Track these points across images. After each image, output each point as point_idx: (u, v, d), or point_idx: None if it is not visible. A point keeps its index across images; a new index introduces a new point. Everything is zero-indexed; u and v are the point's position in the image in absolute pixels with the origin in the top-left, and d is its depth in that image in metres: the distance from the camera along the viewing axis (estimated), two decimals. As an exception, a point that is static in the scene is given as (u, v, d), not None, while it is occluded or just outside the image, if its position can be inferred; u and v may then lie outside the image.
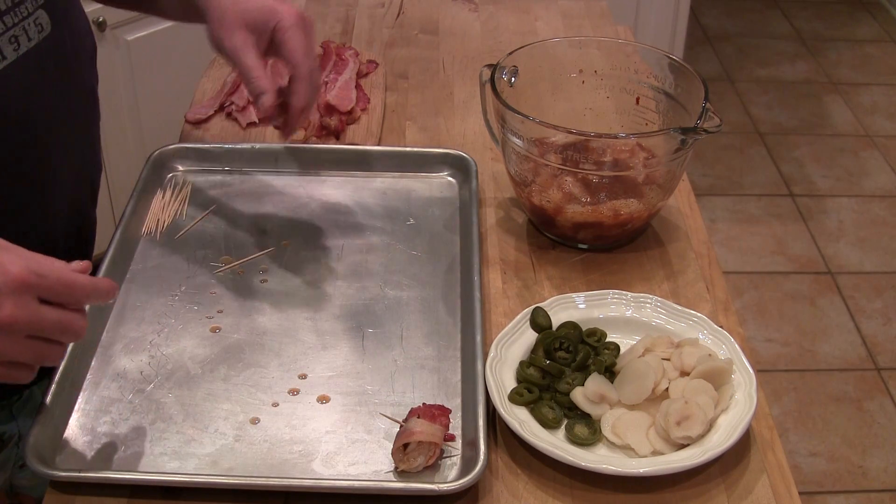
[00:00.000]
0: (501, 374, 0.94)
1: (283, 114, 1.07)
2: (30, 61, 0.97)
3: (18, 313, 0.76)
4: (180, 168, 1.24)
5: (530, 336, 0.98)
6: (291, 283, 1.07)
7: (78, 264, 0.82)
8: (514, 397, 0.91)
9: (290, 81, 1.06)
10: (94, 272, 1.05)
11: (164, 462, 0.87)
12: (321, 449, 0.89)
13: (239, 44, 1.04)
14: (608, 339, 0.99)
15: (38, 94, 0.99)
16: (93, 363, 0.97)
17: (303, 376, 0.96)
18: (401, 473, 0.86)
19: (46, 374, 0.97)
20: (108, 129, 1.16)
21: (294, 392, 0.94)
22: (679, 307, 1.02)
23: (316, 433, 0.90)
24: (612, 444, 0.89)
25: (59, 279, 0.79)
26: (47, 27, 0.99)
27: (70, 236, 1.10)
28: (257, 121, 1.34)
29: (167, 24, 2.30)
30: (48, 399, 0.90)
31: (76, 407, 0.92)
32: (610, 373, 0.95)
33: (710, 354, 0.95)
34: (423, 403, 0.90)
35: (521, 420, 0.89)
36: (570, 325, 0.99)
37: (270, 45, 1.06)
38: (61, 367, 0.93)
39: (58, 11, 1.01)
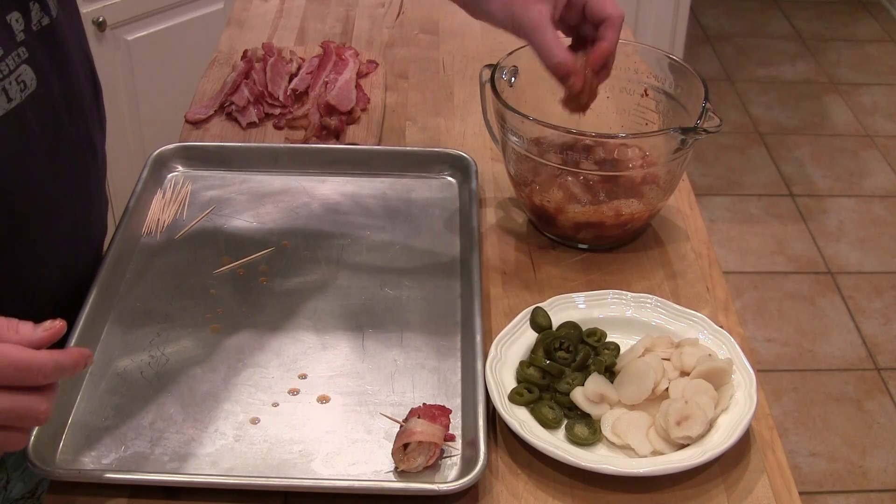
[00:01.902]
0: (501, 374, 0.93)
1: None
2: (8, 124, 0.87)
3: None
4: (180, 168, 1.24)
5: (530, 336, 0.98)
6: (291, 283, 1.07)
7: (48, 326, 0.73)
8: (514, 397, 0.91)
9: (601, 29, 1.00)
10: (94, 271, 1.05)
11: (164, 462, 0.87)
12: (321, 449, 0.89)
13: (535, 19, 0.99)
14: (608, 339, 0.99)
15: (18, 160, 0.90)
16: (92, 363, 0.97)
17: (303, 376, 0.96)
18: (401, 473, 0.86)
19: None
20: (108, 129, 1.15)
21: (294, 392, 0.94)
22: (679, 307, 1.02)
23: (316, 433, 0.90)
24: (612, 444, 0.89)
25: (9, 363, 0.70)
26: (32, 84, 0.90)
27: (62, 297, 1.02)
28: (257, 121, 1.34)
29: (167, 24, 2.30)
30: (48, 399, 0.90)
31: (76, 407, 0.92)
32: (610, 373, 0.95)
33: (710, 354, 0.95)
34: (423, 403, 0.90)
35: (521, 420, 0.89)
36: (570, 325, 0.99)
37: (567, 10, 1.00)
38: (61, 367, 0.92)
39: (46, 64, 0.92)
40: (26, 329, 0.73)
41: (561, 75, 1.02)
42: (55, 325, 0.74)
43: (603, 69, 1.04)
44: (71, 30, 0.99)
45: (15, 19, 0.89)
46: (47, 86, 0.93)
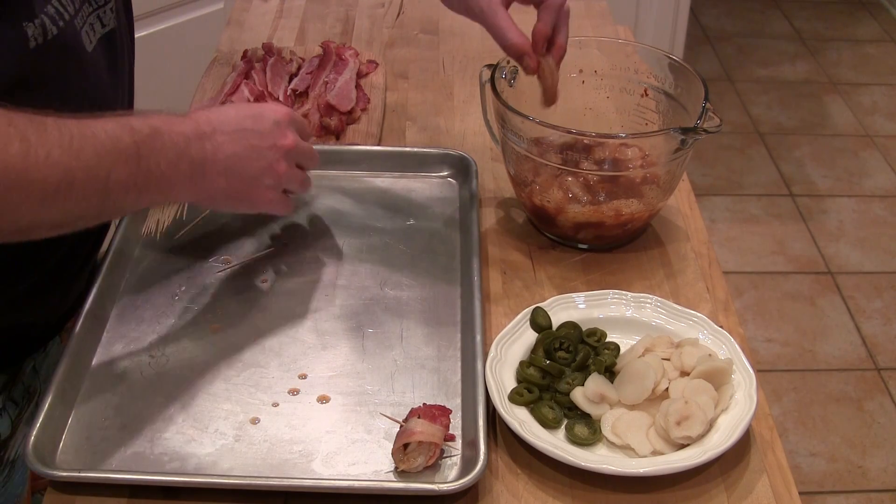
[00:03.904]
0: (501, 374, 0.93)
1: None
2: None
3: (296, 139, 0.98)
4: (180, 168, 1.24)
5: (530, 336, 0.98)
6: (291, 283, 1.07)
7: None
8: (514, 397, 0.91)
9: (539, 12, 1.07)
10: (93, 271, 1.06)
11: (164, 462, 0.87)
12: (321, 449, 0.89)
13: (486, 3, 1.06)
14: (608, 339, 0.99)
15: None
16: (93, 363, 0.97)
17: (303, 376, 0.96)
18: (401, 473, 0.86)
19: (64, 320, 1.08)
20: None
21: (294, 392, 0.94)
22: (679, 307, 1.02)
23: (316, 433, 0.90)
24: (612, 444, 0.89)
25: (300, 118, 1.02)
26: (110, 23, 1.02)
27: (61, 289, 1.09)
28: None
29: (167, 23, 2.30)
30: (48, 399, 0.90)
31: (76, 407, 0.92)
32: (610, 373, 0.95)
33: (710, 354, 0.95)
34: (424, 403, 0.90)
35: (521, 420, 0.89)
36: (570, 325, 0.99)
37: None
38: (61, 368, 0.93)
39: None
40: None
41: (516, 56, 1.08)
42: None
43: (552, 48, 1.09)
44: (125, 42, 1.09)
45: None
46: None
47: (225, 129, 0.94)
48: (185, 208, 1.17)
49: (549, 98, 1.11)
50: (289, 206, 1.03)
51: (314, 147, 1.04)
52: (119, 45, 1.04)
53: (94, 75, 0.98)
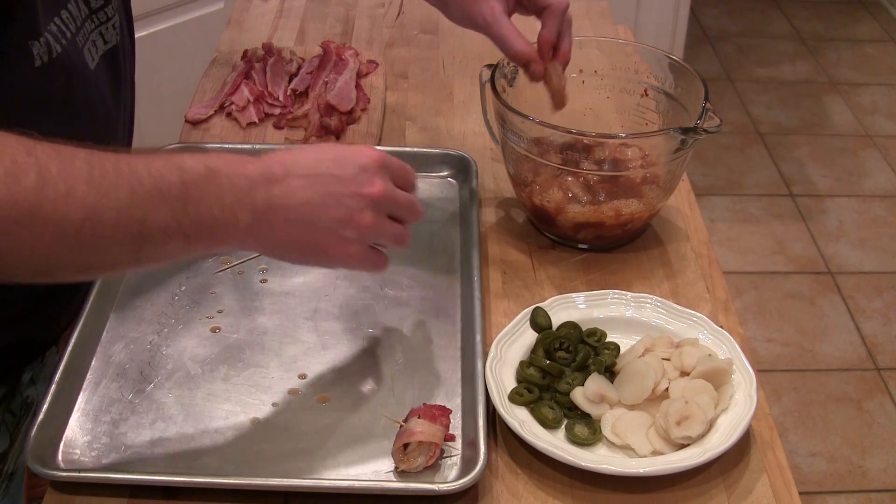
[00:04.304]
0: (501, 374, 0.93)
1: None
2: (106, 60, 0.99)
3: (386, 187, 0.85)
4: (180, 168, 1.24)
5: (530, 336, 0.98)
6: (291, 283, 1.07)
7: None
8: (514, 397, 0.91)
9: (543, 17, 1.08)
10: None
11: (164, 462, 0.87)
12: (321, 449, 0.89)
13: (488, 14, 1.06)
14: (608, 339, 0.99)
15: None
16: (93, 363, 0.97)
17: (303, 376, 0.96)
18: (401, 473, 0.86)
19: (62, 331, 1.04)
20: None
21: (294, 392, 0.94)
22: (679, 307, 1.02)
23: (316, 433, 0.90)
24: (612, 444, 0.89)
25: (400, 165, 0.88)
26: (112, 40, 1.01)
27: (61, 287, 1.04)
28: (257, 121, 1.34)
29: (167, 23, 2.30)
30: (48, 399, 0.90)
31: (76, 407, 0.92)
32: (610, 373, 0.95)
33: (710, 354, 0.95)
34: (424, 403, 0.90)
35: (521, 420, 0.89)
36: (570, 325, 0.99)
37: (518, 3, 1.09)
38: (61, 368, 0.93)
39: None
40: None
41: (522, 63, 1.08)
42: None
43: (556, 54, 1.09)
44: (128, 56, 1.08)
45: None
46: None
47: (300, 172, 0.83)
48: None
49: (559, 102, 1.12)
50: (379, 263, 0.89)
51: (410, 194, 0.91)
52: (121, 60, 1.03)
53: (96, 93, 0.97)
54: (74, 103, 0.92)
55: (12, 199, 0.68)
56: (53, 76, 0.88)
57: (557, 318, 1.00)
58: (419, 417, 0.87)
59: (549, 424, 0.90)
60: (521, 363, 0.95)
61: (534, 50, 1.07)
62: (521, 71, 1.13)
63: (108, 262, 0.76)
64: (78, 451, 0.88)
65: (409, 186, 0.90)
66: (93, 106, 0.96)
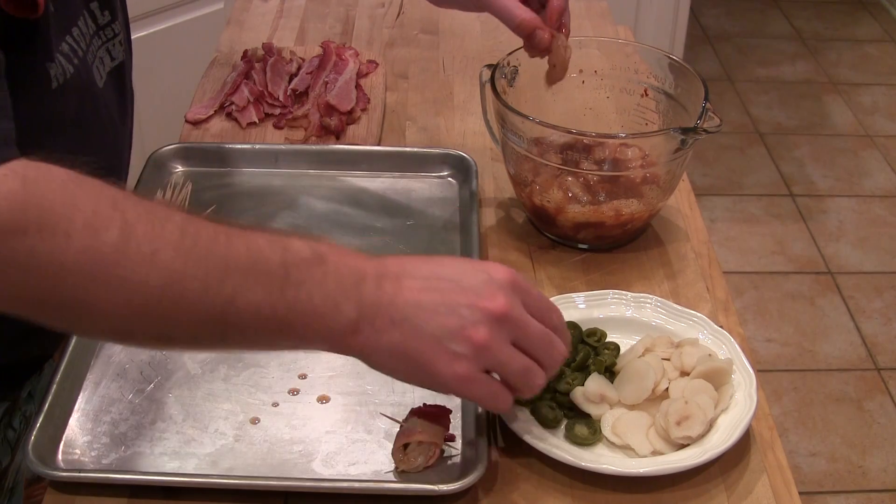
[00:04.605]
0: (501, 374, 0.93)
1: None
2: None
3: (511, 306, 0.74)
4: (180, 168, 1.24)
5: (530, 336, 0.98)
6: (291, 283, 1.07)
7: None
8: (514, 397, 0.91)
9: None
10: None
11: (164, 462, 0.87)
12: (321, 449, 0.89)
13: None
14: (608, 339, 0.99)
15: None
16: (93, 363, 0.97)
17: (303, 376, 0.96)
18: (401, 473, 0.86)
19: (57, 345, 1.01)
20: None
21: (294, 392, 0.94)
22: (679, 307, 1.02)
23: (316, 433, 0.90)
24: (612, 444, 0.89)
25: (540, 295, 0.77)
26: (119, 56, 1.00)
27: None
28: (257, 121, 1.34)
29: (167, 23, 2.30)
30: (48, 399, 0.90)
31: (76, 407, 0.92)
32: (610, 373, 0.95)
33: (710, 354, 0.95)
34: (424, 403, 0.90)
35: (521, 420, 0.89)
36: (570, 325, 0.99)
37: None
38: (62, 367, 0.93)
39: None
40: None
41: (527, 34, 1.05)
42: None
43: (561, 27, 1.08)
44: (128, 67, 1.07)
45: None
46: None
47: (417, 274, 0.75)
48: (188, 203, 1.17)
49: (559, 73, 1.10)
50: (500, 398, 0.79)
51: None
52: (127, 77, 1.03)
53: (105, 112, 0.96)
54: (86, 124, 0.91)
55: (89, 254, 0.64)
56: (68, 97, 0.87)
57: (557, 318, 0.99)
58: (419, 417, 0.87)
59: (548, 424, 0.90)
60: (521, 363, 0.95)
61: (538, 17, 1.05)
62: (520, 71, 1.13)
63: (189, 337, 0.71)
64: (78, 451, 0.88)
65: (547, 321, 0.78)
66: (102, 125, 0.95)
